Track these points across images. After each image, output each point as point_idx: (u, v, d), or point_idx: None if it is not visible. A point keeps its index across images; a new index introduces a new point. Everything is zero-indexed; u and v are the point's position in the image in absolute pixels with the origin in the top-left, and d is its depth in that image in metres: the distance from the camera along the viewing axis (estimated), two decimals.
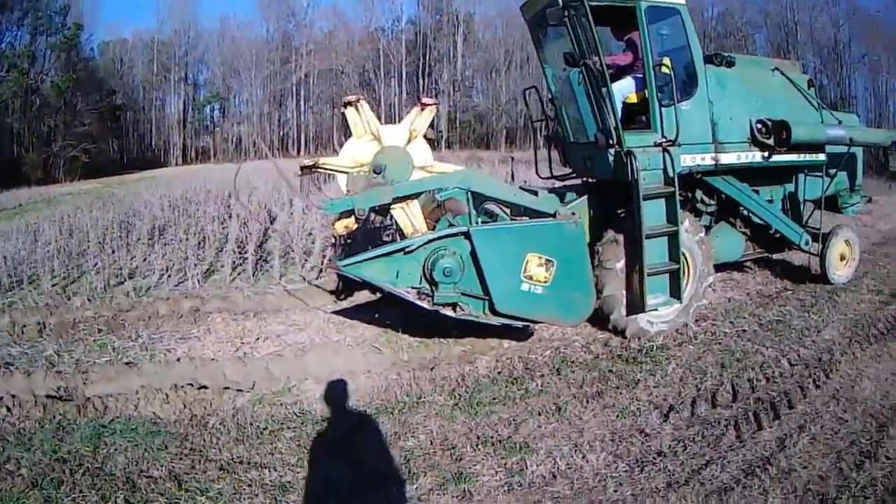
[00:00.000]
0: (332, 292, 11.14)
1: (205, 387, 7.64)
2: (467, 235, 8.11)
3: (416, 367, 8.45)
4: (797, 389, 8.04)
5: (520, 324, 8.78)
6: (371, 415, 7.11)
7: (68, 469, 5.97)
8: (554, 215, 8.93)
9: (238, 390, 7.64)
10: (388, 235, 9.95)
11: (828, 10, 74.18)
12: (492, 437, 6.66)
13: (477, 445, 6.48)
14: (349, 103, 8.36)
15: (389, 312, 9.89)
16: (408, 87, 75.27)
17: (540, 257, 8.39)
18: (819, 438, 6.88)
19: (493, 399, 7.54)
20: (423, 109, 8.63)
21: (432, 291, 8.07)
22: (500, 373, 8.29)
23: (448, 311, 8.26)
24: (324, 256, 12.35)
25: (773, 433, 6.95)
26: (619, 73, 9.93)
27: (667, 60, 9.57)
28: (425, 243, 8.05)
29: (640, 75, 9.79)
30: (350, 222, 8.60)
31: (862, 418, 7.40)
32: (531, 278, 8.39)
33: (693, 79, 10.07)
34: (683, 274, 9.73)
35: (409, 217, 8.56)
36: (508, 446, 6.48)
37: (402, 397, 7.51)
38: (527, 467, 6.10)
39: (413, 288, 8.11)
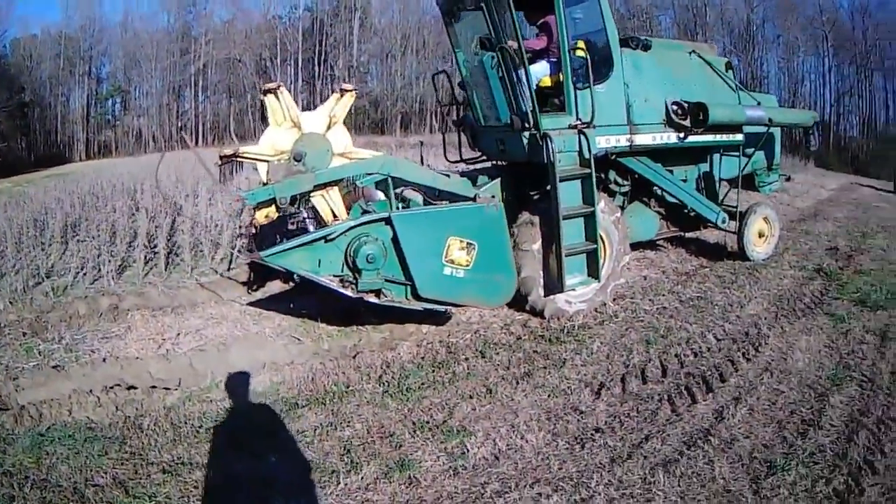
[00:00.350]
0: (244, 284, 11.06)
1: (133, 387, 7.47)
2: (388, 221, 8.04)
3: (339, 356, 8.42)
4: (727, 363, 8.21)
5: (443, 308, 8.83)
6: (302, 406, 7.03)
7: (16, 483, 5.77)
8: (474, 199, 9.00)
9: (165, 388, 7.50)
10: (292, 224, 9.90)
11: None
12: (428, 423, 6.64)
13: (414, 431, 6.47)
14: (269, 90, 8.25)
15: (305, 301, 9.85)
16: (304, 74, 74.60)
17: (461, 241, 8.41)
18: (757, 409, 7.04)
19: (422, 384, 7.54)
20: (342, 95, 8.62)
21: (356, 279, 7.99)
22: (423, 358, 8.30)
23: (372, 298, 8.19)
24: (233, 248, 12.22)
25: (708, 406, 7.09)
26: (534, 57, 9.93)
27: (581, 44, 9.68)
28: (346, 230, 7.93)
29: (555, 59, 9.96)
30: (271, 211, 8.40)
31: (799, 389, 7.61)
32: (453, 262, 8.41)
33: (608, 62, 10.21)
34: (601, 254, 9.85)
35: (330, 204, 8.55)
36: (446, 430, 6.48)
37: (330, 387, 7.44)
38: (468, 450, 6.11)
39: (336, 276, 8.02)
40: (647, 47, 10.96)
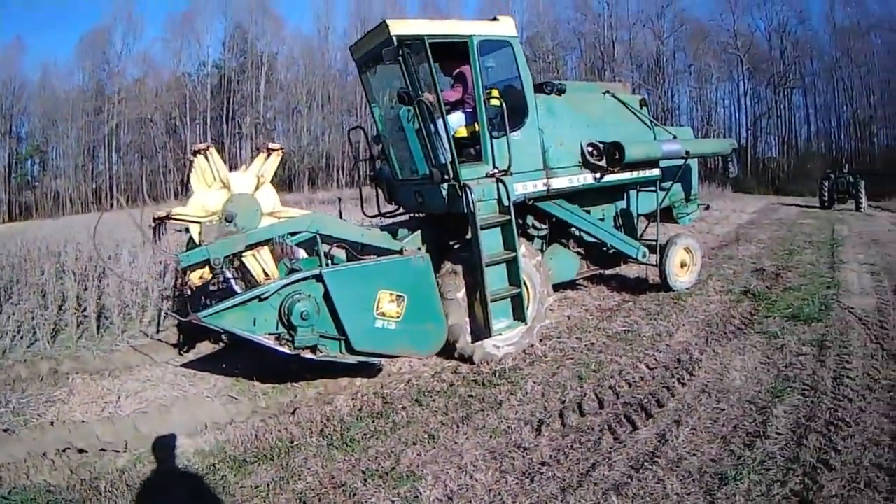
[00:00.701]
0: (174, 345, 10.97)
1: (83, 450, 7.38)
2: (319, 278, 8.15)
3: (278, 413, 8.41)
4: (663, 390, 8.42)
5: (377, 360, 8.99)
6: (251, 462, 6.99)
7: None
8: (401, 252, 9.12)
9: (115, 451, 7.41)
10: (213, 285, 9.85)
11: (651, 24, 77.36)
12: (377, 471, 6.64)
13: (365, 480, 6.45)
14: (198, 151, 8.27)
15: (237, 360, 9.86)
16: (212, 132, 74.26)
17: (391, 293, 8.60)
18: (700, 428, 7.20)
19: (365, 435, 7.54)
20: (269, 155, 8.68)
21: (291, 336, 8.02)
22: (361, 410, 8.30)
23: (308, 354, 8.24)
24: (159, 309, 12.15)
25: (650, 431, 7.23)
26: (449, 108, 10.05)
27: (495, 92, 10.07)
28: (279, 289, 8.00)
29: (470, 109, 10.18)
30: (205, 272, 8.38)
31: (739, 405, 7.80)
32: (384, 315, 8.57)
33: (523, 109, 10.46)
34: (525, 297, 9.93)
35: (262, 263, 8.58)
36: (395, 477, 6.48)
37: (274, 443, 7.41)
38: (420, 493, 6.12)
39: (271, 334, 8.04)
40: (560, 91, 11.25)
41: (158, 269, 13.42)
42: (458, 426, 7.62)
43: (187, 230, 8.66)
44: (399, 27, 9.21)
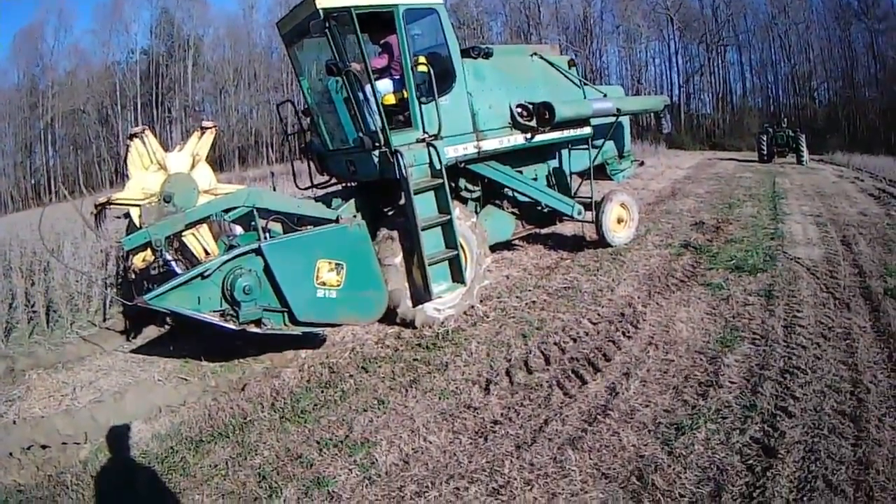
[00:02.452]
0: (122, 332, 10.87)
1: (46, 446, 7.29)
2: (258, 251, 8.12)
3: (228, 390, 8.40)
4: (609, 344, 8.52)
5: (321, 330, 9.15)
6: (208, 442, 6.95)
7: None
8: (337, 220, 9.15)
9: (76, 444, 7.32)
10: (154, 269, 9.83)
11: None
12: (331, 440, 6.66)
13: (321, 450, 6.47)
14: (134, 135, 8.25)
15: (183, 342, 9.88)
16: (143, 118, 73.33)
17: (330, 262, 8.59)
18: (650, 380, 7.30)
19: (315, 405, 7.55)
20: (203, 133, 8.68)
21: (236, 311, 8.00)
22: (309, 381, 8.31)
23: (254, 328, 8.25)
24: (104, 299, 12.05)
25: (599, 384, 7.33)
26: (377, 76, 10.07)
27: (422, 59, 10.10)
28: (220, 265, 7.96)
29: (397, 76, 10.25)
30: (147, 254, 8.33)
31: (688, 356, 7.91)
32: (325, 284, 8.57)
33: (451, 74, 10.56)
34: (462, 259, 10.15)
35: (202, 242, 8.56)
36: (350, 444, 6.51)
37: (228, 421, 7.38)
38: (377, 459, 6.15)
39: (216, 311, 8.02)
40: (488, 55, 11.31)
41: (101, 258, 13.31)
42: (406, 390, 7.70)
43: (127, 215, 8.65)
44: (325, 0, 9.21)
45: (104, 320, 11.51)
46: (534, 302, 10.53)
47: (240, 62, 77.46)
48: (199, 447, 6.85)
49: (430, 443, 6.37)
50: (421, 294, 9.86)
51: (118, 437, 7.38)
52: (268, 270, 8.18)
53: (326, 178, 12.54)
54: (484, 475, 5.70)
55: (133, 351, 9.97)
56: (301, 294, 8.39)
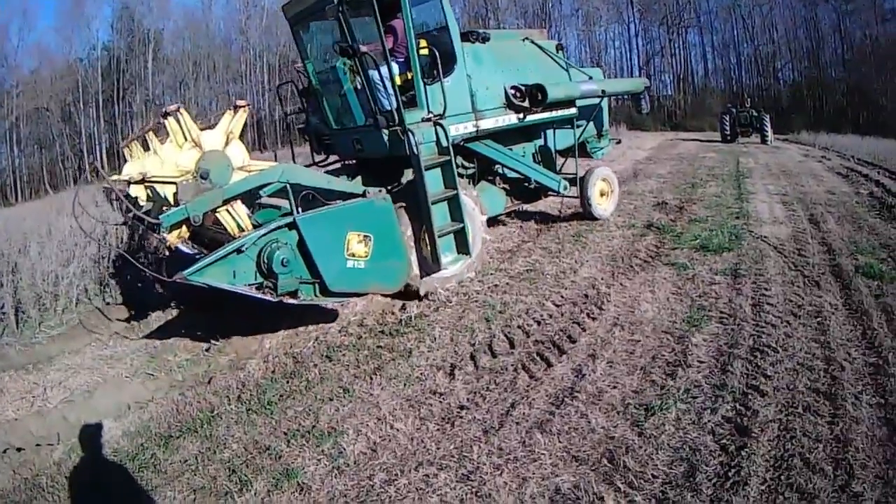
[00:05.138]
0: (90, 331, 10.73)
1: (21, 448, 7.24)
2: (292, 225, 8.39)
3: (194, 384, 8.36)
4: (573, 326, 8.55)
5: (345, 300, 9.48)
6: (177, 437, 6.91)
7: None
8: (363, 194, 9.41)
9: (49, 445, 7.26)
10: (145, 256, 9.90)
11: None
12: (298, 430, 6.65)
13: (288, 441, 6.45)
14: (168, 113, 8.34)
15: (145, 338, 9.99)
16: (105, 114, 73.17)
17: (358, 234, 8.95)
18: (616, 361, 7.32)
19: (281, 396, 7.54)
20: (235, 112, 8.77)
21: (273, 284, 8.25)
22: (274, 372, 8.31)
23: (290, 300, 8.50)
24: (67, 298, 11.96)
25: (565, 366, 7.35)
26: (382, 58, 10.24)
27: (424, 42, 10.71)
28: (256, 240, 8.20)
29: (401, 59, 10.58)
30: (183, 231, 8.55)
31: (655, 336, 7.94)
32: (354, 255, 8.92)
33: (452, 57, 11.03)
34: (467, 231, 10.49)
35: (236, 217, 8.62)
36: (317, 434, 6.49)
37: (196, 415, 7.35)
38: (344, 449, 6.13)
39: (250, 284, 8.25)
40: (485, 39, 11.99)
41: (67, 255, 13.22)
42: (371, 378, 7.65)
43: (126, 197, 8.78)
44: None
45: (75, 319, 11.45)
46: (496, 286, 10.57)
47: (199, 55, 77.20)
48: (169, 443, 6.80)
49: (397, 430, 6.37)
50: (429, 265, 10.33)
51: (90, 436, 7.33)
52: (301, 243, 8.48)
53: (323, 157, 13.12)
54: (453, 461, 5.69)
55: (102, 349, 9.87)
56: (333, 265, 8.74)
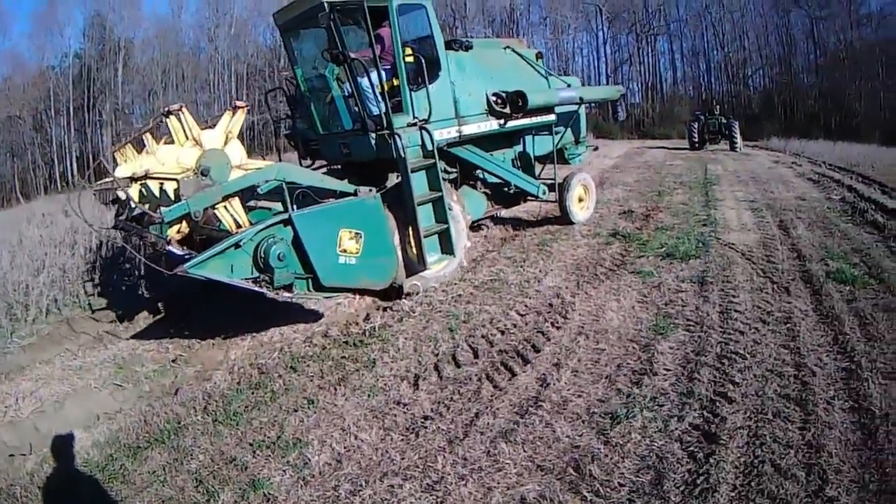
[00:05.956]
0: (58, 343, 10.73)
1: None
2: (287, 222, 8.67)
3: (161, 395, 8.41)
4: (538, 335, 8.57)
5: (336, 295, 10.11)
6: (145, 448, 6.93)
7: None
8: (355, 193, 9.76)
9: (22, 454, 7.29)
10: (124, 256, 9.96)
11: None
12: (264, 441, 6.66)
13: (254, 452, 6.46)
14: (171, 112, 8.76)
15: (113, 349, 9.97)
16: (75, 123, 72.85)
17: (350, 231, 9.31)
18: (581, 370, 7.34)
19: (247, 407, 7.55)
20: (234, 112, 9.17)
21: (270, 278, 8.43)
22: (239, 383, 8.32)
23: (286, 294, 8.82)
24: (37, 308, 11.93)
25: (529, 376, 7.37)
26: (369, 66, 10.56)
27: (409, 50, 10.95)
28: (254, 235, 8.43)
29: (388, 66, 10.79)
30: (183, 226, 8.97)
31: (620, 344, 7.95)
32: (346, 251, 9.29)
33: (437, 64, 11.40)
34: (452, 233, 10.92)
35: (233, 214, 8.83)
36: (282, 445, 6.51)
37: (163, 426, 7.35)
38: (309, 459, 6.14)
39: (247, 279, 8.44)
40: (468, 48, 12.28)
41: (37, 265, 13.16)
42: (335, 389, 7.69)
43: (115, 201, 9.42)
44: None
45: (45, 329, 11.42)
46: (460, 295, 10.62)
47: (168, 63, 77.02)
48: (137, 454, 6.81)
49: (362, 441, 6.38)
50: (415, 265, 10.75)
51: (61, 446, 7.34)
52: (296, 239, 8.75)
53: (310, 161, 13.28)
54: (417, 471, 5.70)
55: (71, 360, 9.86)
56: (326, 261, 9.06)
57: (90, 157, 68.72)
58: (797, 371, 6.87)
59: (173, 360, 9.36)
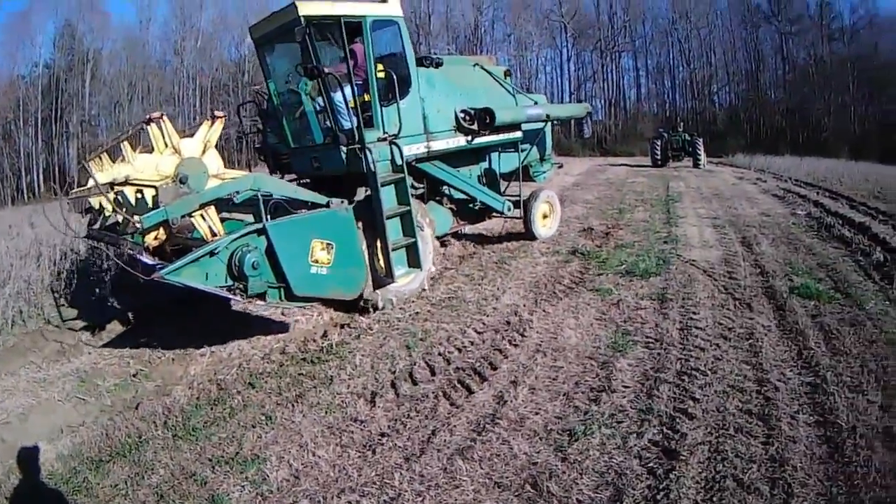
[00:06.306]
0: (21, 355, 10.59)
1: None
2: (261, 231, 8.77)
3: (123, 409, 8.38)
4: (495, 352, 8.63)
5: (306, 304, 10.31)
6: (107, 462, 6.91)
7: None
8: (327, 205, 9.90)
9: None
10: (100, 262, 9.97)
11: None
12: (222, 457, 6.66)
13: (213, 467, 6.46)
14: (152, 120, 8.90)
15: (76, 362, 9.94)
16: (43, 134, 72.38)
17: (322, 242, 9.43)
18: (539, 387, 7.38)
19: (206, 423, 7.55)
20: (213, 122, 9.26)
21: (244, 286, 8.55)
22: (198, 399, 8.32)
23: (259, 302, 9.07)
24: (3, 319, 11.88)
25: (486, 393, 7.39)
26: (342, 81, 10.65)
27: (380, 66, 11.19)
28: (228, 244, 8.49)
29: (360, 81, 10.92)
30: (160, 233, 9.08)
31: (578, 362, 8.00)
32: (317, 261, 9.40)
33: (408, 80, 11.66)
34: (419, 246, 11.07)
35: (209, 222, 8.86)
36: (241, 461, 6.51)
37: (124, 440, 7.34)
38: (267, 475, 6.15)
39: (221, 286, 8.50)
40: (438, 65, 12.60)
41: (3, 277, 13.11)
42: (293, 405, 7.71)
43: (87, 210, 9.63)
44: (306, 8, 10.08)
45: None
46: (417, 313, 10.67)
47: (135, 76, 76.62)
48: (100, 467, 6.79)
49: (319, 457, 6.40)
50: (382, 278, 10.87)
51: (26, 458, 7.32)
52: (270, 248, 8.86)
53: (279, 175, 13.20)
54: (374, 488, 5.71)
55: (35, 371, 9.81)
56: (298, 270, 9.16)
57: (56, 168, 68.81)
58: (759, 386, 6.94)
59: (134, 375, 9.35)
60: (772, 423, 6.12)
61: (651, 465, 5.65)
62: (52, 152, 70.45)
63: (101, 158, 9.65)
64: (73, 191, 10.80)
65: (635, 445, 5.94)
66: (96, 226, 10.22)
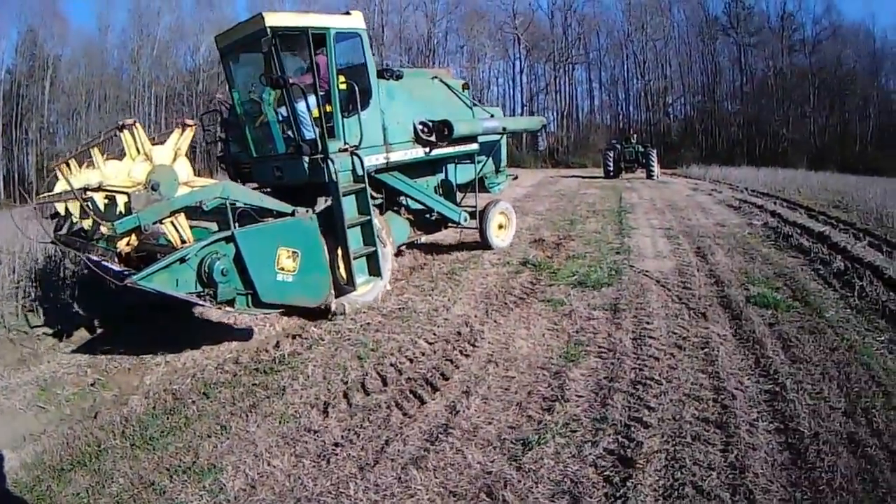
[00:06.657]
0: None
1: None
2: (230, 239, 8.76)
3: (82, 418, 8.38)
4: (446, 363, 8.70)
5: (274, 311, 9.98)
6: (68, 470, 6.90)
7: None
8: (292, 213, 9.89)
9: None
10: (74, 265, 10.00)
11: (423, 7, 78.73)
12: (180, 466, 6.66)
13: (171, 477, 6.46)
14: (124, 126, 8.79)
15: (36, 370, 9.90)
16: (3, 141, 71.64)
17: (288, 250, 9.40)
18: (491, 397, 7.45)
19: (162, 432, 7.54)
20: (183, 130, 9.17)
21: (214, 292, 8.56)
22: (154, 408, 8.32)
23: (228, 308, 9.09)
24: None
25: (439, 403, 7.46)
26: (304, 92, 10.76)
27: (342, 78, 11.22)
28: (198, 251, 8.50)
29: (322, 92, 10.96)
30: (132, 239, 8.94)
31: (530, 372, 8.08)
32: (283, 269, 9.37)
33: (368, 92, 11.79)
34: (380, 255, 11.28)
35: (179, 229, 8.84)
36: (198, 470, 6.52)
37: (84, 449, 7.33)
38: (224, 485, 6.15)
39: (191, 293, 8.52)
40: (398, 77, 12.94)
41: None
42: (247, 415, 7.72)
43: (55, 215, 9.70)
44: (273, 19, 10.26)
45: None
46: (368, 324, 10.72)
47: (92, 83, 76.03)
48: (62, 476, 6.79)
49: (275, 467, 6.42)
50: (344, 286, 10.85)
51: None
52: (238, 256, 8.85)
53: (241, 183, 12.71)
54: (330, 497, 5.75)
55: None
56: (265, 277, 9.13)
57: (16, 176, 68.21)
58: (716, 395, 7.04)
59: (92, 384, 9.34)
60: (730, 431, 6.21)
61: (607, 473, 5.71)
62: (11, 159, 69.45)
63: (68, 164, 9.69)
64: (42, 196, 10.83)
65: (590, 454, 6.00)
66: (62, 231, 10.31)
